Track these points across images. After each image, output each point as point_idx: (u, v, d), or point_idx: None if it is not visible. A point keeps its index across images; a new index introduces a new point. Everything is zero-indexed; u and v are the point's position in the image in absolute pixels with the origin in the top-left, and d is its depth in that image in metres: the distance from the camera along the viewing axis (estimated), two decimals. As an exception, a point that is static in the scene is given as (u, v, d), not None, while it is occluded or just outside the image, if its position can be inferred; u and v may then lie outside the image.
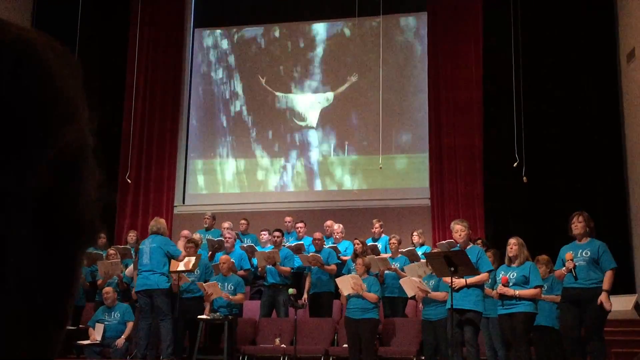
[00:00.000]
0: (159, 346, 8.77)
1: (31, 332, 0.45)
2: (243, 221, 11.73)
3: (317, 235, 10.47)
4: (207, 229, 11.60)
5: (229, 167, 14.03)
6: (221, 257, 9.73)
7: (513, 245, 7.68)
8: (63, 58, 0.47)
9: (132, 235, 11.56)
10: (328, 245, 10.58)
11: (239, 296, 9.27)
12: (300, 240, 10.89)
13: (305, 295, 10.11)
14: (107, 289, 9.46)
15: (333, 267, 9.99)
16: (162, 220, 9.28)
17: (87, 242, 0.49)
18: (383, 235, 10.91)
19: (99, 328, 9.21)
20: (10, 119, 0.42)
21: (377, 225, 10.99)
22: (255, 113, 14.08)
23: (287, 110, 13.93)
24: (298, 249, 10.32)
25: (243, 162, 13.97)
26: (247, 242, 10.97)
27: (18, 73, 0.43)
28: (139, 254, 8.89)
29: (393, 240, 10.14)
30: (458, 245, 7.81)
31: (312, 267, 10.01)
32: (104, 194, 0.50)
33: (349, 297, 8.51)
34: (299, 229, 11.18)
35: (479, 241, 9.24)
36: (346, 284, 8.49)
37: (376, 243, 10.61)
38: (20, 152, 0.42)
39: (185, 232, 10.62)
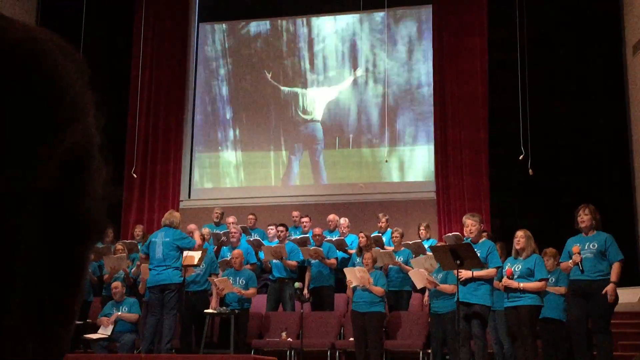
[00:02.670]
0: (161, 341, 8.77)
1: (40, 330, 0.45)
2: (251, 216, 11.75)
3: (317, 230, 10.47)
4: (217, 224, 11.61)
5: (234, 162, 14.04)
6: (233, 252, 9.72)
7: (520, 237, 7.66)
8: (70, 56, 0.47)
9: (138, 231, 11.58)
10: (334, 238, 10.60)
11: (251, 290, 9.24)
12: (305, 234, 10.90)
13: (305, 290, 10.10)
14: (116, 283, 9.47)
15: (333, 261, 10.00)
16: (177, 214, 9.21)
17: (94, 240, 0.49)
18: (389, 229, 10.91)
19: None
20: (17, 118, 0.42)
21: (383, 219, 10.98)
22: (260, 107, 14.07)
23: (292, 104, 13.93)
24: (304, 242, 10.32)
25: (248, 157, 13.97)
26: (255, 237, 10.97)
27: (25, 72, 0.43)
28: (150, 247, 8.80)
29: (395, 234, 10.12)
30: (469, 239, 7.73)
31: (313, 261, 10.02)
32: (111, 192, 0.50)
33: (355, 289, 8.52)
34: (304, 223, 11.19)
35: (485, 234, 9.21)
36: (354, 275, 8.51)
37: (381, 236, 10.62)
38: (28, 152, 0.43)
39: (192, 226, 10.62)
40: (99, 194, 0.49)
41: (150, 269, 8.77)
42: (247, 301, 9.25)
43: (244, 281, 9.24)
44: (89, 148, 0.48)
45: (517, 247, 7.67)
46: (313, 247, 10.03)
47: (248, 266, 10.12)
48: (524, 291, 7.43)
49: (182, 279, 8.77)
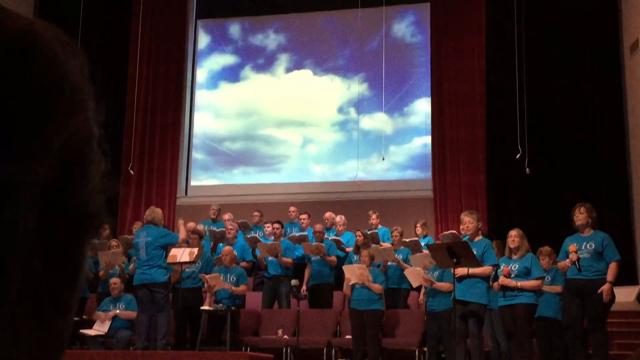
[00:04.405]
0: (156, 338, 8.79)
1: (37, 325, 0.45)
2: (256, 213, 11.72)
3: (318, 227, 10.44)
4: (214, 221, 11.59)
5: (231, 159, 14.03)
6: (223, 248, 9.73)
7: (514, 237, 7.68)
8: (69, 49, 0.47)
9: (136, 228, 11.55)
10: (331, 236, 10.58)
11: (241, 287, 9.27)
12: (304, 231, 10.88)
13: (304, 287, 10.10)
14: (114, 279, 9.48)
15: (333, 258, 9.98)
16: (158, 210, 9.26)
17: (92, 233, 0.49)
18: (380, 226, 10.90)
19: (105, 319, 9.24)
20: (17, 109, 0.42)
21: (373, 216, 10.97)
22: (257, 104, 14.07)
23: (290, 101, 13.92)
24: (302, 240, 10.30)
25: (245, 153, 13.97)
26: (259, 234, 10.94)
27: (25, 63, 0.43)
28: (135, 247, 8.89)
29: (395, 233, 10.12)
30: (466, 236, 7.75)
31: (312, 258, 10.01)
32: (109, 185, 0.50)
33: (353, 287, 8.51)
34: (302, 220, 11.16)
35: (480, 232, 9.20)
36: (353, 273, 8.49)
37: (377, 232, 10.60)
38: (27, 143, 0.42)
39: (191, 225, 10.61)
40: (97, 186, 0.49)
41: (136, 268, 8.86)
42: (238, 298, 9.27)
43: (234, 278, 9.25)
44: (87, 140, 0.47)
45: (512, 246, 7.68)
46: (315, 243, 10.01)
47: (244, 263, 10.12)
48: (520, 290, 7.45)
49: (168, 277, 8.80)
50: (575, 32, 12.13)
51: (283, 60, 14.10)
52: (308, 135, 13.81)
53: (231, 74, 14.34)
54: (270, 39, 14.23)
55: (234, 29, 14.48)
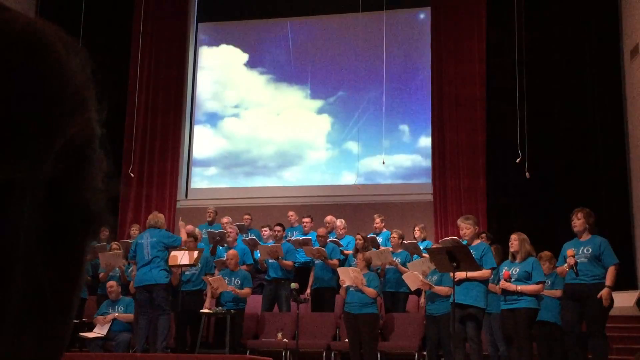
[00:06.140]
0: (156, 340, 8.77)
1: (39, 325, 0.45)
2: (247, 216, 11.72)
3: (321, 231, 10.43)
4: (210, 223, 11.60)
5: (231, 162, 14.03)
6: (228, 252, 9.73)
7: (514, 241, 7.70)
8: (72, 49, 0.47)
9: (134, 230, 11.55)
10: (330, 239, 10.57)
11: (246, 290, 9.26)
12: (306, 234, 10.87)
13: (308, 290, 10.10)
14: (111, 282, 9.46)
15: (335, 262, 9.97)
16: (161, 215, 9.27)
17: (94, 234, 0.49)
18: (385, 230, 10.89)
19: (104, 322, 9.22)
20: (19, 108, 0.42)
21: (378, 220, 10.95)
22: (257, 107, 14.07)
23: (290, 104, 13.92)
24: (305, 243, 10.29)
25: (245, 157, 13.97)
26: (250, 237, 10.94)
27: (27, 63, 0.43)
28: (137, 248, 8.84)
29: (394, 235, 10.11)
30: (464, 241, 7.79)
31: (316, 262, 10.01)
32: (111, 185, 0.50)
33: (348, 289, 8.51)
34: (305, 223, 11.13)
35: (483, 235, 9.19)
36: (347, 275, 8.50)
37: (376, 237, 10.59)
38: (30, 142, 0.42)
39: (190, 227, 10.61)
40: (99, 186, 0.49)
41: (137, 269, 8.80)
42: (242, 301, 9.25)
43: (239, 281, 9.25)
44: (90, 140, 0.47)
45: (512, 250, 7.71)
46: (316, 247, 10.00)
47: (244, 267, 10.10)
48: (521, 294, 7.45)
49: (169, 279, 8.79)
50: (576, 36, 12.14)
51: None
52: (308, 145, 13.80)
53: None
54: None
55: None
